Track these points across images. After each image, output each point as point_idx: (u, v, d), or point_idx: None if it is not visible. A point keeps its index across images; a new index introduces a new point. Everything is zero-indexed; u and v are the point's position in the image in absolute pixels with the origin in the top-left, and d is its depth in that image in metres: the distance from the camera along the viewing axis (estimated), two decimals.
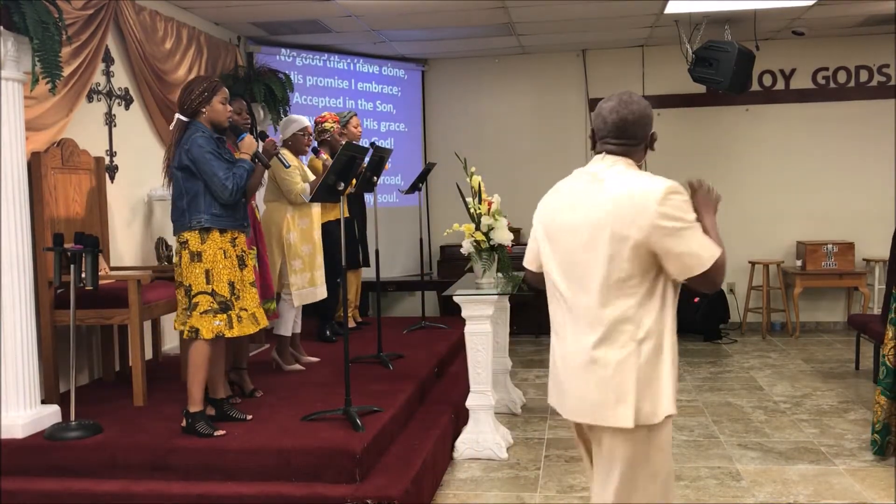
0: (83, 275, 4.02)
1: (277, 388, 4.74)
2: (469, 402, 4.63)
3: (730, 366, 6.82)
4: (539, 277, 2.49)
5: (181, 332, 3.98)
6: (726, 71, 6.71)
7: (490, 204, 4.78)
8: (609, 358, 2.22)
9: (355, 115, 6.35)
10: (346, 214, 5.73)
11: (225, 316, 3.87)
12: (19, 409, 3.93)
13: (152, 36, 5.65)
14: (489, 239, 4.75)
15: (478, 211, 4.77)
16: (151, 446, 3.78)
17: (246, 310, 3.98)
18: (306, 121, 5.30)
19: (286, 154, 4.73)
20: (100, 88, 5.26)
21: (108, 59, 5.32)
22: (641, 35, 7.89)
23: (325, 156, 5.55)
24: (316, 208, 5.28)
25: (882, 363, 4.43)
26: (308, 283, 5.17)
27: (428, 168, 6.72)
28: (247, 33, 7.27)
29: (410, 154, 8.63)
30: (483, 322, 4.58)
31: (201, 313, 3.84)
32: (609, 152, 2.34)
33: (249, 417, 4.09)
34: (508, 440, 4.77)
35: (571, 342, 2.30)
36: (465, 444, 4.59)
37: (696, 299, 7.81)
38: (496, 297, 4.60)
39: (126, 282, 4.47)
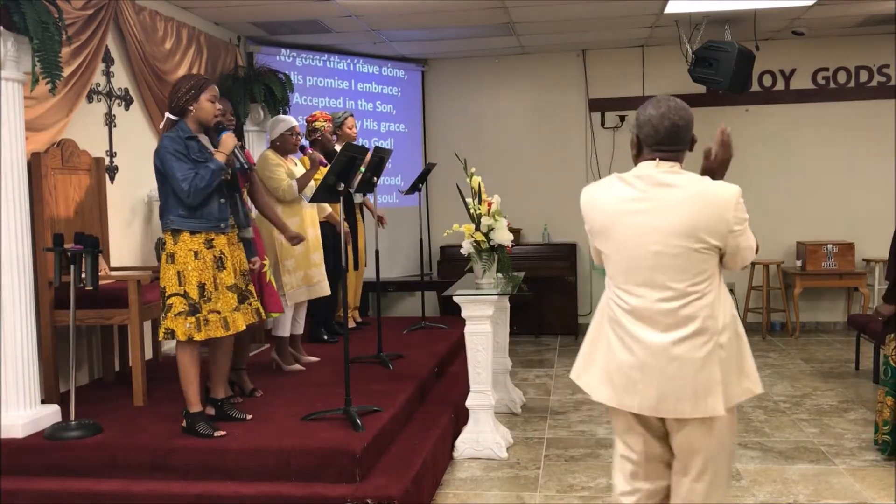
0: (83, 275, 4.02)
1: (277, 388, 4.74)
2: (469, 402, 4.64)
3: None
4: None
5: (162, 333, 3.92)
6: (726, 71, 6.71)
7: (490, 204, 4.78)
8: (694, 354, 2.35)
9: (351, 115, 6.34)
10: (337, 215, 5.73)
11: (194, 318, 3.81)
12: (19, 409, 3.94)
13: (152, 36, 5.66)
14: (489, 239, 4.75)
15: (478, 211, 4.77)
16: (151, 446, 3.78)
17: (218, 312, 3.85)
18: (294, 120, 5.30)
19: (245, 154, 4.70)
20: (100, 89, 5.26)
21: (108, 60, 5.32)
22: (641, 35, 7.89)
23: (311, 151, 5.54)
24: (308, 207, 5.26)
25: (884, 363, 4.42)
26: (302, 282, 5.15)
27: (428, 168, 6.72)
28: (247, 33, 7.27)
29: (410, 154, 8.63)
30: (483, 322, 4.58)
31: (175, 315, 3.81)
32: (663, 158, 2.45)
33: (249, 417, 4.09)
34: (508, 440, 4.77)
35: (646, 341, 2.39)
36: (465, 443, 4.59)
37: None
38: (496, 297, 4.60)
39: (126, 282, 4.47)
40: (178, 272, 3.81)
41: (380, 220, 6.49)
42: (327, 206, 5.70)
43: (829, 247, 7.88)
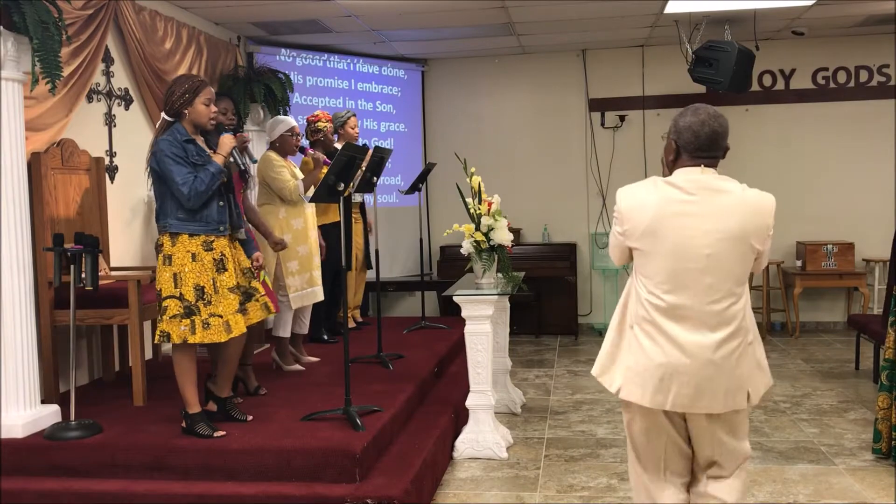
0: (83, 275, 4.02)
1: (278, 388, 4.74)
2: (469, 402, 4.64)
3: None
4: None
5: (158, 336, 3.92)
6: (726, 71, 6.71)
7: (490, 204, 4.78)
8: (732, 353, 2.51)
9: (353, 115, 6.34)
10: (339, 217, 5.73)
11: (188, 321, 3.78)
12: (19, 409, 3.94)
13: (152, 36, 5.66)
14: (489, 239, 4.75)
15: (478, 211, 4.77)
16: (151, 446, 3.78)
17: (220, 316, 3.81)
18: (293, 121, 5.30)
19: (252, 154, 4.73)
20: (100, 88, 5.26)
21: (108, 60, 5.32)
22: (641, 35, 7.89)
23: (311, 151, 5.54)
24: (310, 209, 5.27)
25: (885, 367, 4.39)
26: (307, 284, 5.16)
27: (428, 168, 6.72)
28: (247, 33, 7.27)
29: (410, 154, 8.63)
30: (483, 322, 4.58)
31: (170, 318, 3.79)
32: (707, 164, 2.56)
33: (250, 418, 4.09)
34: (508, 440, 4.77)
35: (685, 340, 2.50)
36: (465, 443, 4.59)
37: None
38: (496, 297, 4.60)
39: (126, 282, 4.47)
40: (175, 274, 3.79)
41: (368, 227, 6.53)
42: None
43: (829, 247, 7.88)
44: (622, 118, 8.54)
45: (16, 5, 3.72)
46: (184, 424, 3.90)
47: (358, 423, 3.87)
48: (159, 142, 3.83)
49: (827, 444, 4.72)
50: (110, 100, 5.38)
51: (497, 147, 8.68)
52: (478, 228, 4.75)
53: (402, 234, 8.40)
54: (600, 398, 5.90)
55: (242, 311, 3.95)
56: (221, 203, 3.92)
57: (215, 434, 3.83)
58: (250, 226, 4.70)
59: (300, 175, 5.22)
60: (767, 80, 8.35)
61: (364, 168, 5.07)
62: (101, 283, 4.19)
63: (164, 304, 3.80)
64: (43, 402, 4.22)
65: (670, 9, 6.68)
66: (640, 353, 2.57)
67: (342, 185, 4.13)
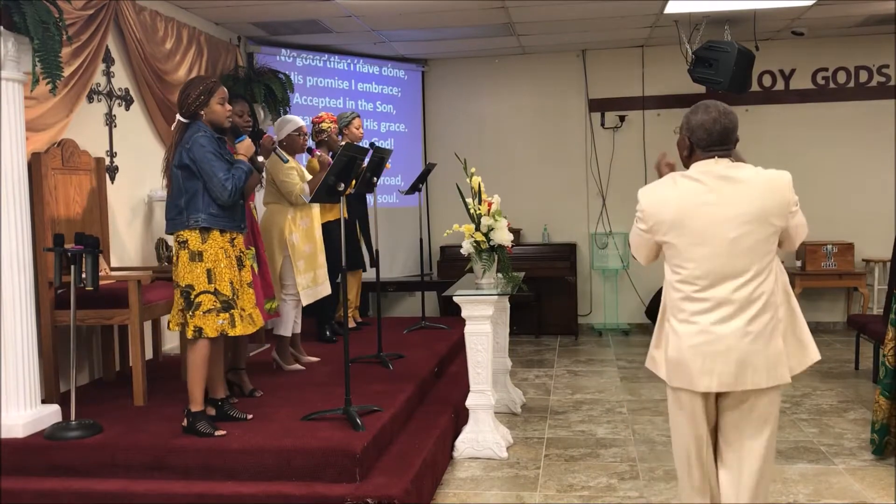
0: (83, 275, 4.02)
1: (277, 388, 4.74)
2: (469, 402, 4.64)
3: None
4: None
5: (181, 332, 3.98)
6: (726, 71, 6.71)
7: (490, 204, 4.78)
8: (764, 329, 2.65)
9: (358, 116, 6.33)
10: (346, 215, 5.74)
11: (228, 315, 3.88)
12: (19, 409, 3.94)
13: (152, 36, 5.66)
14: (489, 239, 4.75)
15: (478, 211, 4.77)
16: (151, 446, 3.78)
17: (244, 310, 3.99)
18: (301, 121, 5.31)
19: (281, 151, 4.76)
20: (100, 89, 5.26)
21: (109, 60, 5.32)
22: (641, 35, 7.89)
23: (319, 153, 5.55)
24: (315, 208, 5.30)
25: (882, 363, 4.43)
26: (312, 283, 5.19)
27: (428, 168, 6.72)
28: (247, 33, 7.27)
29: (410, 154, 8.64)
30: (483, 322, 4.58)
31: (204, 312, 3.84)
32: (720, 156, 2.73)
33: (250, 417, 4.09)
34: (508, 439, 4.77)
35: (721, 322, 2.64)
36: (465, 443, 4.60)
37: None
38: (496, 297, 4.60)
39: (126, 282, 4.47)
40: (209, 270, 3.85)
41: None
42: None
43: (829, 247, 7.88)
44: (622, 118, 8.54)
45: (16, 5, 3.72)
46: (185, 422, 3.90)
47: (358, 423, 3.87)
48: (198, 138, 3.86)
49: (827, 444, 4.72)
50: (111, 100, 5.38)
51: (497, 147, 8.68)
52: (478, 228, 4.75)
53: (402, 234, 8.40)
54: (600, 398, 5.90)
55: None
56: (241, 201, 4.04)
57: (216, 433, 3.83)
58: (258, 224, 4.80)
59: (308, 176, 5.23)
60: (767, 81, 8.36)
61: (364, 168, 5.08)
62: (101, 283, 4.19)
63: (198, 299, 3.84)
64: (43, 401, 4.23)
65: (670, 9, 6.69)
66: (678, 340, 2.71)
67: (342, 185, 4.14)
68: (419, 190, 6.56)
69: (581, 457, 4.60)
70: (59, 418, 4.10)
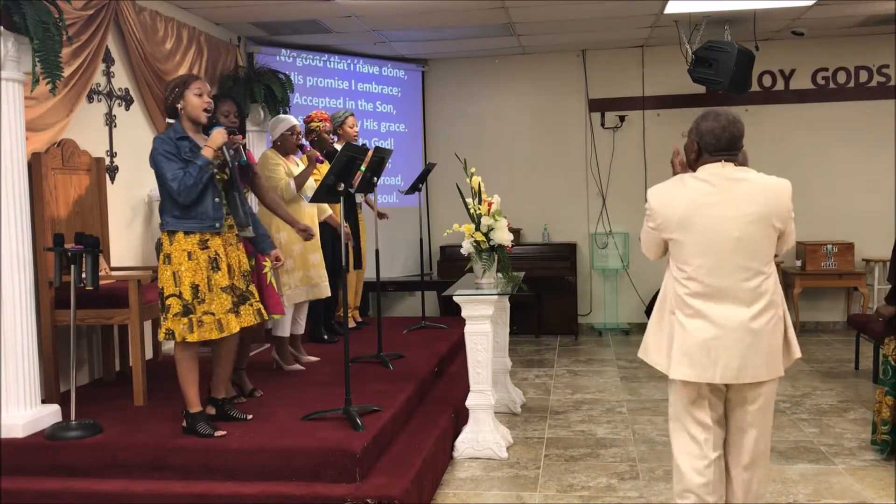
0: (83, 275, 4.02)
1: (277, 388, 4.74)
2: (469, 402, 4.64)
3: None
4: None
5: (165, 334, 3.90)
6: (726, 71, 6.71)
7: (490, 204, 4.78)
8: (767, 325, 2.82)
9: (352, 114, 6.34)
10: (337, 216, 5.73)
11: (186, 319, 3.80)
12: (19, 409, 3.94)
13: (152, 36, 5.66)
14: (489, 239, 4.75)
15: (478, 211, 4.77)
16: (151, 446, 3.79)
17: (212, 314, 3.82)
18: (293, 120, 5.31)
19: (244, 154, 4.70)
20: (100, 89, 5.26)
21: (109, 60, 5.32)
22: (641, 35, 7.89)
23: (309, 149, 5.53)
24: (309, 208, 5.27)
25: (884, 363, 4.41)
26: (301, 283, 5.14)
27: (428, 168, 6.72)
28: (247, 33, 7.27)
29: (410, 154, 8.64)
30: (483, 322, 4.58)
31: (173, 316, 3.81)
32: (727, 160, 2.89)
33: (250, 417, 4.09)
34: (508, 439, 4.77)
35: (726, 317, 2.79)
36: (465, 443, 4.60)
37: None
38: (496, 297, 4.60)
39: (126, 282, 4.47)
40: (174, 273, 3.81)
41: (381, 215, 6.52)
42: (327, 208, 5.70)
43: (829, 247, 7.88)
44: (622, 118, 8.54)
45: (16, 5, 3.72)
46: (184, 424, 3.90)
47: (358, 423, 3.87)
48: (153, 140, 3.88)
49: (827, 444, 4.72)
50: (111, 100, 5.38)
51: (497, 147, 8.68)
52: (478, 228, 4.75)
53: (402, 234, 8.40)
54: (600, 398, 5.90)
55: (234, 312, 3.93)
56: (217, 199, 3.91)
57: (216, 434, 3.83)
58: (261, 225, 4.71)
59: (296, 172, 5.21)
60: (767, 81, 8.35)
61: (364, 168, 5.07)
62: (101, 283, 4.19)
63: (167, 302, 3.82)
64: (43, 401, 4.23)
65: (670, 9, 6.69)
66: (685, 334, 2.84)
67: (342, 185, 4.14)
68: (419, 190, 6.56)
69: (581, 457, 4.60)
70: (59, 418, 4.10)
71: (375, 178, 5.23)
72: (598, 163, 8.61)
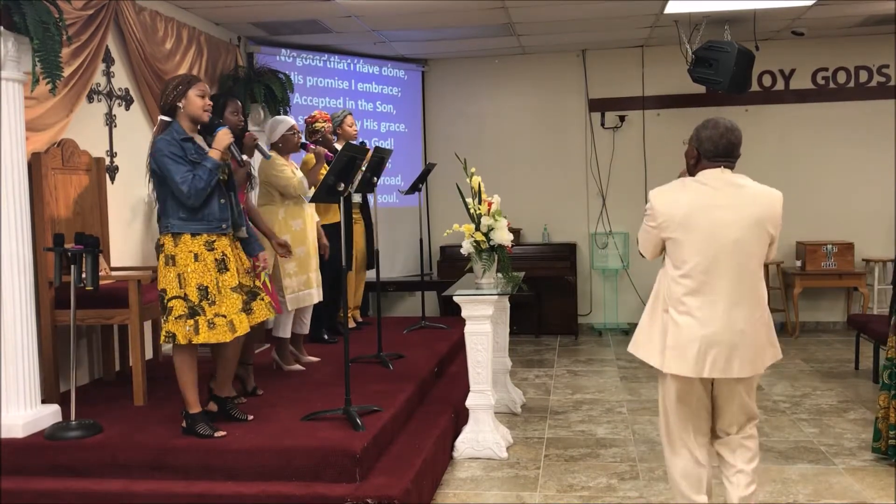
0: (83, 275, 4.02)
1: (278, 388, 4.74)
2: (469, 402, 4.64)
3: None
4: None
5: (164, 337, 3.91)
6: (726, 71, 6.71)
7: (490, 204, 4.78)
8: (756, 323, 3.00)
9: (350, 113, 6.34)
10: (339, 218, 5.73)
11: (192, 321, 3.78)
12: (19, 409, 3.94)
13: (152, 36, 5.66)
14: (489, 239, 4.75)
15: (478, 211, 4.77)
16: (151, 446, 3.78)
17: (224, 316, 3.81)
18: (292, 120, 5.31)
19: (263, 146, 4.71)
20: (100, 89, 5.26)
21: (109, 60, 5.32)
22: (641, 35, 7.89)
23: (313, 147, 5.54)
24: (309, 209, 5.26)
25: (888, 366, 4.34)
26: (304, 286, 5.13)
27: (428, 168, 6.72)
28: (247, 33, 7.27)
29: (410, 154, 8.64)
30: (483, 322, 4.58)
31: (176, 318, 3.79)
32: (725, 166, 3.06)
33: (251, 418, 4.09)
34: (508, 439, 4.77)
35: (716, 316, 2.95)
36: (465, 443, 4.60)
37: None
38: (496, 297, 4.60)
39: (126, 282, 4.47)
40: (179, 275, 3.79)
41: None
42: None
43: (829, 247, 7.88)
44: (622, 118, 8.54)
45: (16, 5, 3.72)
46: (184, 424, 3.90)
47: (358, 423, 3.87)
48: (157, 141, 3.83)
49: (827, 444, 4.72)
50: (111, 100, 5.38)
51: (497, 147, 8.68)
52: (478, 228, 4.75)
53: (402, 234, 8.40)
54: (600, 398, 5.90)
55: (248, 310, 3.95)
56: (223, 200, 3.91)
57: (215, 434, 3.83)
58: (251, 225, 4.69)
59: (300, 174, 5.21)
60: (767, 81, 8.35)
61: (364, 168, 5.07)
62: (101, 283, 4.19)
63: (170, 304, 3.80)
64: (43, 401, 4.22)
65: (670, 9, 6.69)
66: (678, 330, 2.99)
67: (342, 185, 4.14)
68: (419, 190, 6.56)
69: (581, 457, 4.60)
70: (59, 418, 4.10)
71: (375, 178, 5.23)
72: (598, 163, 8.61)
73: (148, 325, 5.37)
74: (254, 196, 5.16)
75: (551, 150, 8.68)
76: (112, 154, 5.39)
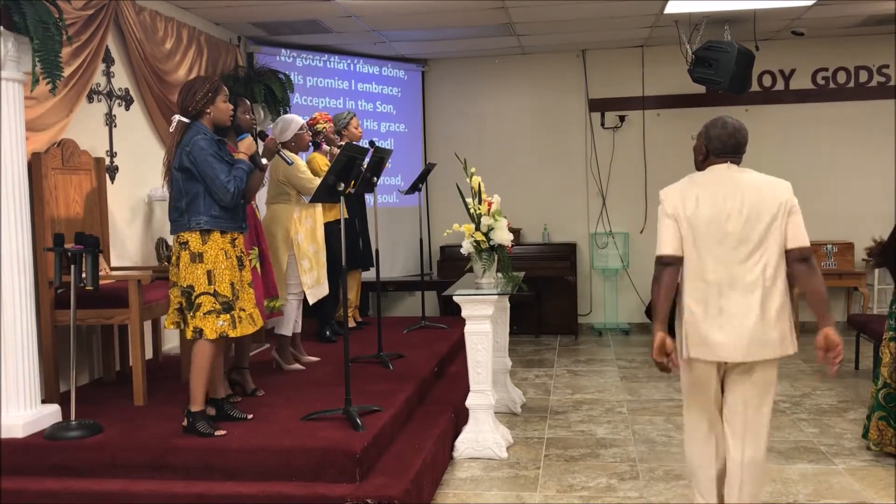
0: (83, 275, 4.02)
1: (278, 387, 4.75)
2: (469, 402, 4.64)
3: None
4: (675, 259, 3.18)
5: (181, 333, 3.98)
6: (726, 71, 6.71)
7: (490, 204, 4.78)
8: (773, 309, 3.09)
9: (355, 115, 6.35)
10: (346, 215, 5.73)
11: (228, 316, 3.86)
12: (20, 409, 3.94)
13: (152, 36, 5.66)
14: (489, 239, 4.75)
15: (478, 211, 4.77)
16: (151, 446, 3.78)
17: (244, 310, 3.98)
18: (300, 118, 5.33)
19: (286, 152, 4.73)
20: (100, 89, 5.26)
21: (109, 60, 5.32)
22: (641, 35, 7.89)
23: (326, 147, 5.54)
24: (319, 208, 5.29)
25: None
26: (317, 282, 5.20)
27: (428, 168, 6.72)
28: (247, 33, 7.27)
29: (410, 154, 8.64)
30: (483, 322, 4.58)
31: (204, 314, 3.83)
32: (732, 162, 3.19)
33: (250, 417, 4.09)
34: (508, 439, 4.77)
35: (735, 302, 3.07)
36: (465, 443, 4.60)
37: None
38: (496, 297, 4.60)
39: (126, 282, 4.47)
40: (209, 271, 3.85)
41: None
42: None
43: (829, 247, 7.88)
44: (622, 118, 8.54)
45: (16, 5, 3.72)
46: (185, 422, 3.90)
47: (358, 423, 3.87)
48: (198, 140, 3.85)
49: (827, 444, 4.72)
50: (111, 100, 5.38)
51: (497, 147, 8.68)
52: (478, 228, 4.75)
53: (402, 234, 8.40)
54: (600, 398, 5.90)
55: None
56: (242, 200, 4.03)
57: (216, 433, 3.83)
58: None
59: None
60: (767, 81, 8.35)
61: (364, 168, 5.07)
62: (101, 283, 4.19)
63: (199, 300, 3.84)
64: (43, 401, 4.23)
65: (670, 9, 6.69)
66: (693, 318, 3.11)
67: (342, 184, 4.14)
68: (419, 190, 6.56)
69: (581, 457, 4.60)
70: (59, 418, 4.10)
71: (375, 178, 5.24)
72: (598, 163, 8.61)
73: (148, 325, 5.37)
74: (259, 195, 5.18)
75: (551, 150, 8.68)
76: (112, 154, 5.39)
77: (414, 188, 6.52)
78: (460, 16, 6.81)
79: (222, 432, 3.85)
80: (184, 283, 3.87)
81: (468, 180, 4.87)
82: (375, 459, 3.81)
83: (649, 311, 8.40)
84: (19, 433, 3.89)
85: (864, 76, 8.22)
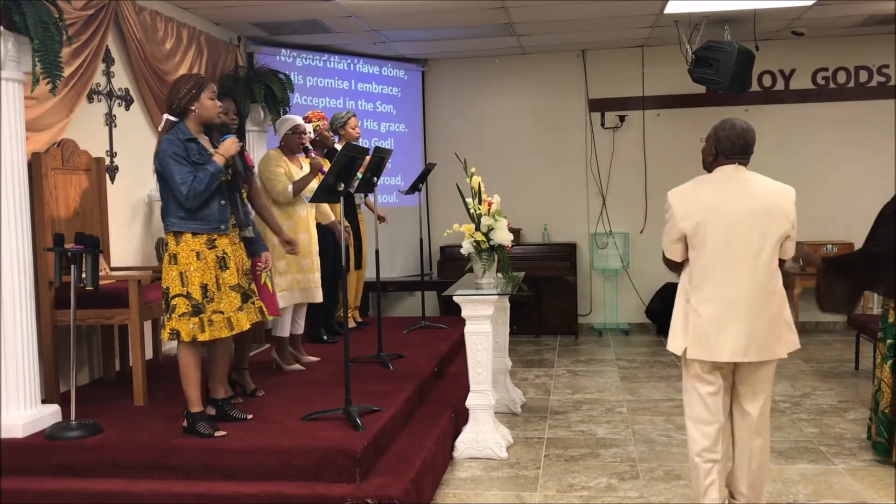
0: (83, 275, 4.02)
1: (277, 388, 4.74)
2: (469, 402, 4.64)
3: None
4: (680, 263, 3.32)
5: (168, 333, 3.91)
6: (726, 71, 6.71)
7: (490, 204, 4.78)
8: (776, 309, 3.21)
9: (353, 115, 6.35)
10: (338, 217, 5.72)
11: (197, 319, 3.81)
12: (19, 409, 3.94)
13: (152, 36, 5.66)
14: (489, 239, 4.75)
15: (478, 211, 4.77)
16: (151, 446, 3.79)
17: (221, 313, 3.86)
18: (297, 119, 5.31)
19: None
20: (100, 89, 5.26)
21: (109, 60, 5.32)
22: (641, 35, 7.89)
23: (314, 154, 5.53)
24: (304, 210, 5.24)
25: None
26: (292, 285, 5.10)
27: (428, 168, 6.72)
28: (247, 33, 7.27)
29: (410, 154, 8.64)
30: (483, 322, 4.58)
31: (179, 316, 3.81)
32: (740, 163, 3.27)
33: (250, 417, 4.09)
34: (508, 439, 4.77)
35: (733, 304, 3.16)
36: (465, 443, 4.60)
37: None
38: (496, 297, 4.60)
39: (126, 282, 4.47)
40: (181, 273, 3.82)
41: (380, 219, 6.49)
42: (331, 214, 5.69)
43: (829, 247, 7.88)
44: (622, 118, 8.54)
45: (16, 5, 3.72)
46: (184, 423, 3.90)
47: (358, 423, 3.87)
48: (161, 141, 3.85)
49: (827, 444, 4.72)
50: (111, 100, 5.38)
51: (497, 147, 8.68)
52: (478, 228, 4.75)
53: (402, 234, 8.40)
54: (600, 398, 5.90)
55: (242, 310, 3.96)
56: (223, 202, 3.93)
57: (216, 433, 3.83)
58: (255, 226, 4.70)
59: (297, 177, 5.17)
60: (767, 81, 8.35)
61: (364, 169, 5.07)
62: (101, 283, 4.19)
63: (173, 302, 3.82)
64: (43, 401, 4.23)
65: (670, 9, 6.69)
66: (699, 319, 3.20)
67: (342, 185, 4.14)
68: (419, 190, 6.56)
69: (581, 457, 4.60)
70: (59, 418, 4.10)
71: (375, 179, 5.23)
72: (598, 163, 8.61)
73: (148, 325, 5.37)
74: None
75: (551, 150, 8.68)
76: (112, 154, 5.39)
77: (414, 188, 6.52)
78: (460, 16, 6.81)
79: (222, 433, 3.85)
80: (163, 284, 3.87)
81: (468, 180, 4.87)
82: (375, 459, 3.81)
83: (649, 311, 8.41)
84: (19, 433, 3.89)
85: (864, 76, 8.22)
